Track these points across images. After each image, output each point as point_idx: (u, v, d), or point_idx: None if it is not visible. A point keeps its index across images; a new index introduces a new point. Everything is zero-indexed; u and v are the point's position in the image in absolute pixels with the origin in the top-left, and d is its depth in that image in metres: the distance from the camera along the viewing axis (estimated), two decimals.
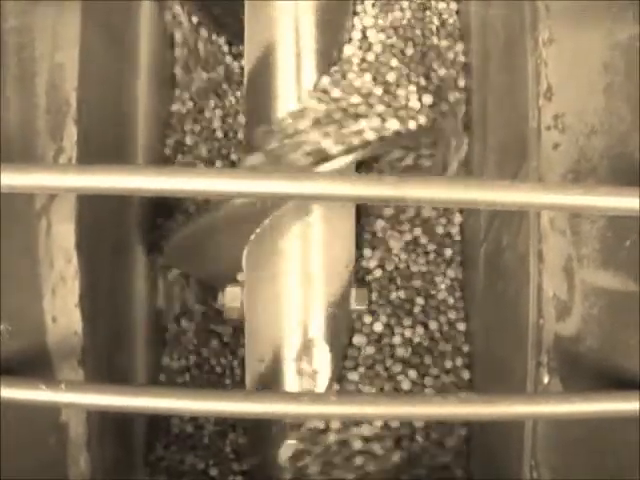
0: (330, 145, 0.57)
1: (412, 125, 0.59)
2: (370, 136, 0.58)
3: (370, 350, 0.64)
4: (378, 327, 0.65)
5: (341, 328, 0.64)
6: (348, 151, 0.57)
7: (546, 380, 0.52)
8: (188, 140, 0.71)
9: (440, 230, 0.68)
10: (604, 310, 0.51)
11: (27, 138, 0.52)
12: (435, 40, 0.65)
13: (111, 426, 0.60)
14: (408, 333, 0.65)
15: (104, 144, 0.59)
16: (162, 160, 0.70)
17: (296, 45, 0.60)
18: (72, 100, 0.53)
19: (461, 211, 0.68)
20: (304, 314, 0.62)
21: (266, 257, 0.62)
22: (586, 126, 0.51)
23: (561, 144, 0.51)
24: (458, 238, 0.68)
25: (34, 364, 0.53)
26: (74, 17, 0.53)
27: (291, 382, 0.62)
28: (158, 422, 0.69)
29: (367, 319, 0.65)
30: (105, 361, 0.59)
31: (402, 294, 0.66)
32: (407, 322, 0.66)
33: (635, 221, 0.49)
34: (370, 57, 0.61)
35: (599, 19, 0.51)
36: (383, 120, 0.59)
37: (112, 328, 0.62)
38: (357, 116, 0.59)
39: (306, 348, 0.62)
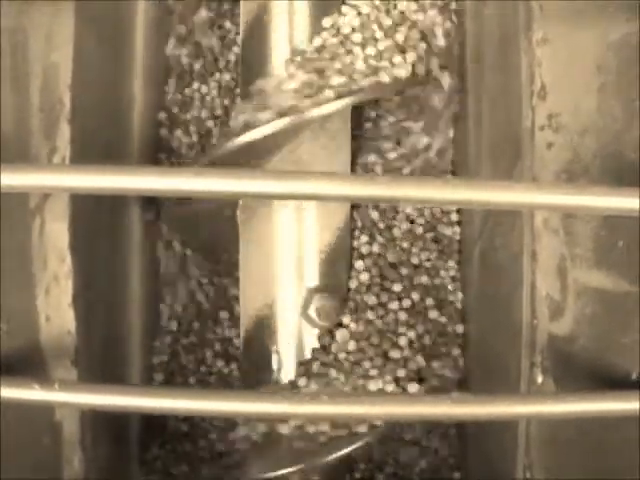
0: (324, 91, 0.58)
1: (403, 73, 0.60)
2: (364, 83, 0.59)
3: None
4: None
5: (339, 274, 0.64)
6: (341, 96, 0.58)
7: (540, 380, 0.52)
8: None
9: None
10: (597, 310, 0.51)
11: (21, 137, 0.52)
12: None
13: (105, 425, 0.60)
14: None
15: (98, 143, 0.59)
16: (156, 160, 0.70)
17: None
18: (66, 100, 0.53)
19: (458, 210, 0.68)
20: (299, 262, 0.63)
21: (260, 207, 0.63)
22: (580, 126, 0.51)
23: (555, 143, 0.52)
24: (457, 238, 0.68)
25: (27, 363, 0.53)
26: (68, 17, 0.53)
27: (285, 332, 0.63)
28: (153, 421, 0.69)
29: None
30: (99, 360, 0.59)
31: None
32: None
33: (629, 221, 0.49)
34: (365, 10, 0.62)
35: (593, 19, 0.51)
36: (376, 69, 0.59)
37: (106, 328, 0.62)
38: (351, 64, 0.60)
39: (302, 297, 0.63)
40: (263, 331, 0.64)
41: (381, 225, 0.66)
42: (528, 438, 0.52)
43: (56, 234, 0.53)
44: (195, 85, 0.71)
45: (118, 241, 0.66)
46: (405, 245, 0.66)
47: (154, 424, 0.69)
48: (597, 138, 0.51)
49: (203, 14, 0.71)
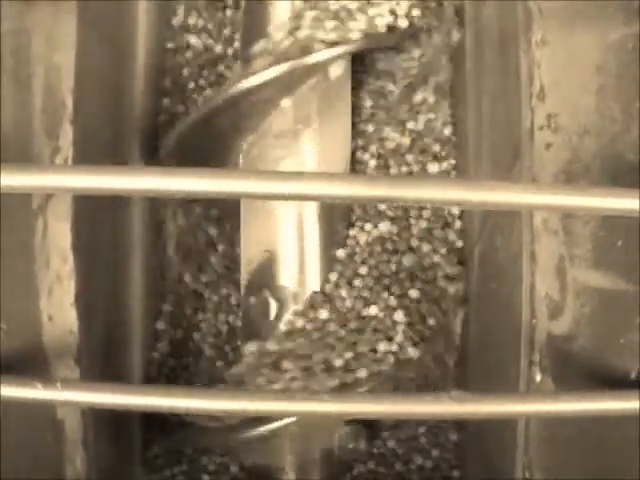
0: (323, 39, 0.60)
1: (402, 23, 0.61)
2: (361, 30, 0.60)
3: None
4: None
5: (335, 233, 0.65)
6: (340, 43, 0.60)
7: (538, 379, 0.52)
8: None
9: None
10: (596, 309, 0.51)
11: (23, 138, 0.52)
12: None
13: (107, 424, 0.60)
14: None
15: (100, 144, 0.59)
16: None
17: None
18: (68, 101, 0.53)
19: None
20: (298, 219, 0.64)
21: (261, 161, 0.64)
22: (579, 126, 0.52)
23: (554, 144, 0.52)
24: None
25: (30, 362, 0.53)
26: (70, 19, 0.53)
27: (282, 286, 0.64)
28: (154, 420, 0.69)
29: None
30: (101, 360, 0.59)
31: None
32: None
33: (627, 221, 0.49)
34: None
35: (592, 21, 0.52)
36: (372, 18, 0.61)
37: (108, 327, 0.62)
38: (349, 15, 0.61)
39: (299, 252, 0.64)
40: (263, 277, 0.65)
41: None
42: (527, 437, 0.52)
43: (59, 234, 0.53)
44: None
45: (120, 241, 0.66)
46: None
47: (156, 422, 0.70)
48: (596, 139, 0.51)
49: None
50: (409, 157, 0.68)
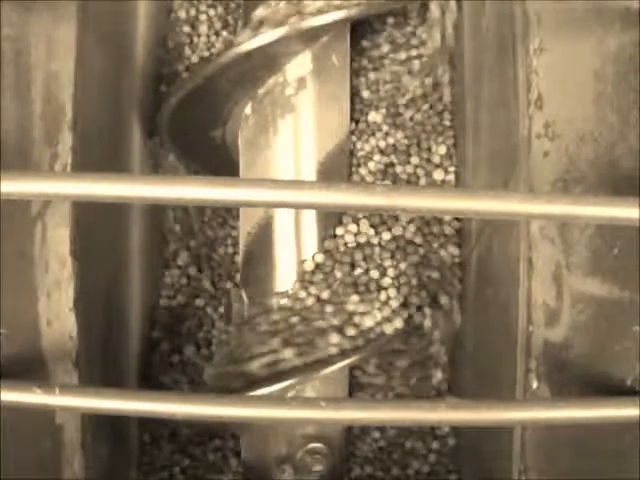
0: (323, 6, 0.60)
1: None
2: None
3: None
4: None
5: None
6: (339, 9, 0.60)
7: (535, 385, 0.52)
8: None
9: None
10: (592, 317, 0.51)
11: (23, 144, 0.52)
12: None
13: (105, 428, 0.60)
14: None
15: (100, 151, 0.59)
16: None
17: None
18: (68, 107, 0.53)
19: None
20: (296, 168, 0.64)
21: (260, 130, 0.64)
22: (576, 134, 0.52)
23: (551, 152, 0.52)
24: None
25: (29, 367, 0.53)
26: (70, 25, 0.53)
27: (284, 242, 0.64)
28: (152, 424, 0.69)
29: None
30: (99, 364, 0.59)
31: None
32: None
33: (623, 229, 0.50)
34: None
35: (590, 29, 0.52)
36: None
37: (106, 332, 0.62)
38: None
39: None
40: (262, 243, 0.65)
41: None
42: (523, 442, 0.53)
43: (57, 240, 0.53)
44: None
45: (119, 246, 0.66)
46: None
47: (153, 427, 0.70)
48: (593, 147, 0.51)
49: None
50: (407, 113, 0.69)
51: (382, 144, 0.67)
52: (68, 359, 0.54)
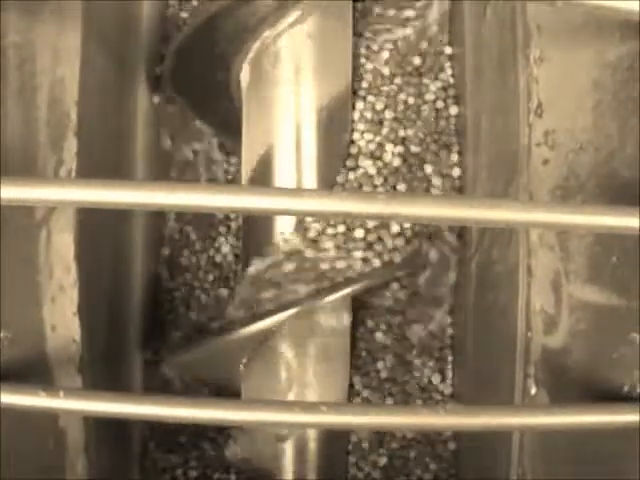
0: None
1: None
2: None
3: None
4: None
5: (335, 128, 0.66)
6: None
7: (533, 391, 0.52)
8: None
9: None
10: (590, 324, 0.52)
11: (28, 150, 0.53)
12: None
13: (108, 432, 0.61)
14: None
15: (104, 157, 0.60)
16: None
17: None
18: (73, 113, 0.53)
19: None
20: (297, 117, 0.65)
21: (261, 77, 0.64)
22: (575, 143, 0.52)
23: (550, 160, 0.52)
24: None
25: (33, 371, 0.53)
26: (74, 32, 0.54)
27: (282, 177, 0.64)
28: (155, 428, 0.70)
29: None
30: (103, 368, 0.60)
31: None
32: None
33: (622, 237, 0.50)
34: None
35: (590, 38, 0.52)
36: None
37: (110, 336, 0.63)
38: None
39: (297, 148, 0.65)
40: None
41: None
42: (521, 448, 0.53)
43: (62, 245, 0.53)
44: None
45: (122, 251, 0.67)
46: None
47: (156, 430, 0.70)
48: (592, 155, 0.52)
49: None
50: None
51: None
52: (72, 363, 0.54)
